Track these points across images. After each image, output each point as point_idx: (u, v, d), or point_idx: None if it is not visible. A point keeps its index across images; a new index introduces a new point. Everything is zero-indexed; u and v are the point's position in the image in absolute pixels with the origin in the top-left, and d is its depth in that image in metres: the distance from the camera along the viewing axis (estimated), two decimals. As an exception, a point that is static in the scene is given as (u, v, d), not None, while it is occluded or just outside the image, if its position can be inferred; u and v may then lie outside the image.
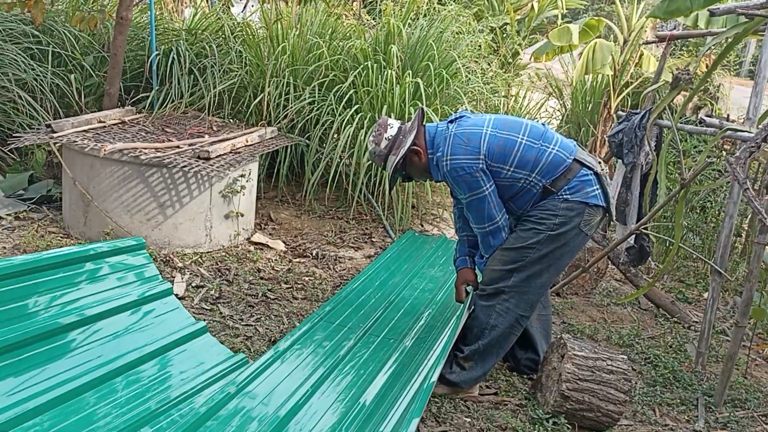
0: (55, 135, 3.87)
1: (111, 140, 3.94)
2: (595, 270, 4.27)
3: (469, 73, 5.50)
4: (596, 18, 6.51)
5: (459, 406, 2.75)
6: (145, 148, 3.87)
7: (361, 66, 4.90)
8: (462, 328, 2.78)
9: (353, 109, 4.77)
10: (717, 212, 4.99)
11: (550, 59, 7.31)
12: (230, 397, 2.36)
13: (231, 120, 4.97)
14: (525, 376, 3.09)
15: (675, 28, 4.99)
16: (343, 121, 4.73)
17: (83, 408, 2.18)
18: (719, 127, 3.48)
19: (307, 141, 4.91)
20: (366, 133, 4.64)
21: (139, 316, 2.67)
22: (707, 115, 4.64)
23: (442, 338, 2.86)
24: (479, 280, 2.96)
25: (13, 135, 3.99)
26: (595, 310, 4.11)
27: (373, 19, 6.75)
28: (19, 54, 4.55)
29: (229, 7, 5.89)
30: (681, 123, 4.74)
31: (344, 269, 4.16)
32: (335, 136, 4.82)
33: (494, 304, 2.79)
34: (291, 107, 4.85)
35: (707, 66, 6.89)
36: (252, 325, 3.23)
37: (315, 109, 4.87)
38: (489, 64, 6.46)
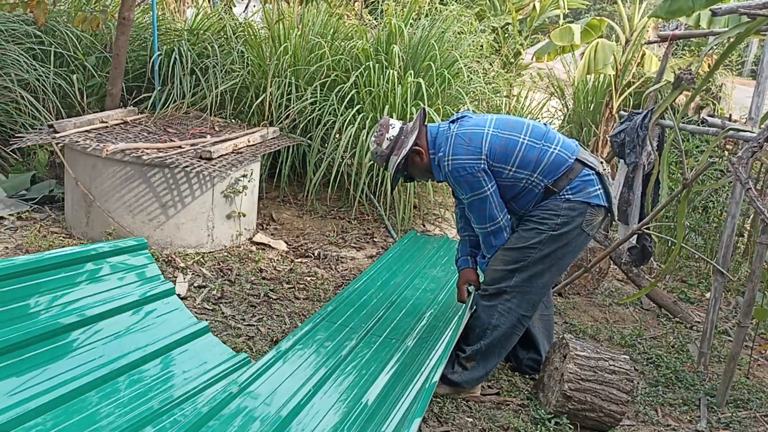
0: (57, 135, 3.87)
1: (113, 140, 3.95)
2: (597, 270, 4.26)
3: (470, 73, 5.50)
4: (598, 18, 6.49)
5: (461, 406, 2.75)
6: (147, 149, 3.87)
7: (363, 66, 4.90)
8: (464, 328, 2.78)
9: (355, 109, 4.77)
10: (719, 212, 4.98)
11: (552, 59, 7.30)
12: (232, 396, 2.37)
13: (233, 120, 4.97)
14: (527, 376, 3.09)
15: (677, 28, 4.99)
16: (345, 121, 4.73)
17: (86, 408, 2.18)
18: (721, 127, 3.48)
19: (308, 141, 4.91)
20: (368, 133, 4.64)
21: (140, 316, 2.67)
22: (709, 115, 4.64)
23: (444, 338, 2.86)
24: (481, 280, 2.96)
25: (16, 135, 4.00)
26: (597, 310, 4.10)
27: (375, 19, 6.77)
28: (22, 54, 4.56)
29: (230, 8, 5.89)
30: (683, 123, 4.74)
31: (346, 269, 4.16)
32: (337, 136, 4.82)
33: (496, 304, 2.79)
34: (293, 107, 4.85)
35: (709, 66, 6.89)
36: (254, 325, 3.23)
37: (317, 109, 4.87)
38: (491, 64, 6.46)
